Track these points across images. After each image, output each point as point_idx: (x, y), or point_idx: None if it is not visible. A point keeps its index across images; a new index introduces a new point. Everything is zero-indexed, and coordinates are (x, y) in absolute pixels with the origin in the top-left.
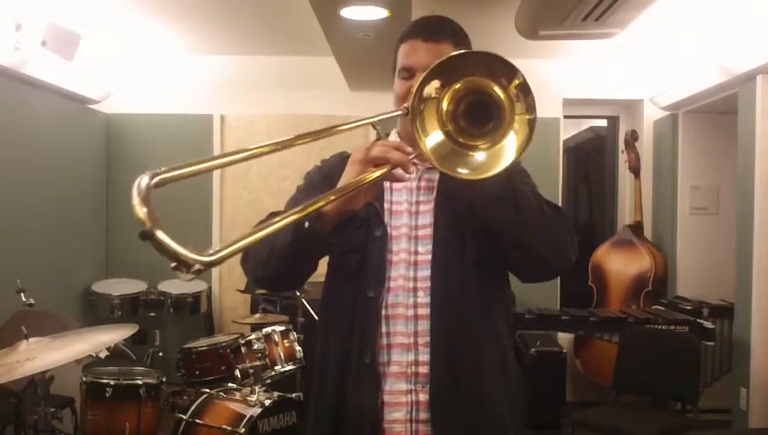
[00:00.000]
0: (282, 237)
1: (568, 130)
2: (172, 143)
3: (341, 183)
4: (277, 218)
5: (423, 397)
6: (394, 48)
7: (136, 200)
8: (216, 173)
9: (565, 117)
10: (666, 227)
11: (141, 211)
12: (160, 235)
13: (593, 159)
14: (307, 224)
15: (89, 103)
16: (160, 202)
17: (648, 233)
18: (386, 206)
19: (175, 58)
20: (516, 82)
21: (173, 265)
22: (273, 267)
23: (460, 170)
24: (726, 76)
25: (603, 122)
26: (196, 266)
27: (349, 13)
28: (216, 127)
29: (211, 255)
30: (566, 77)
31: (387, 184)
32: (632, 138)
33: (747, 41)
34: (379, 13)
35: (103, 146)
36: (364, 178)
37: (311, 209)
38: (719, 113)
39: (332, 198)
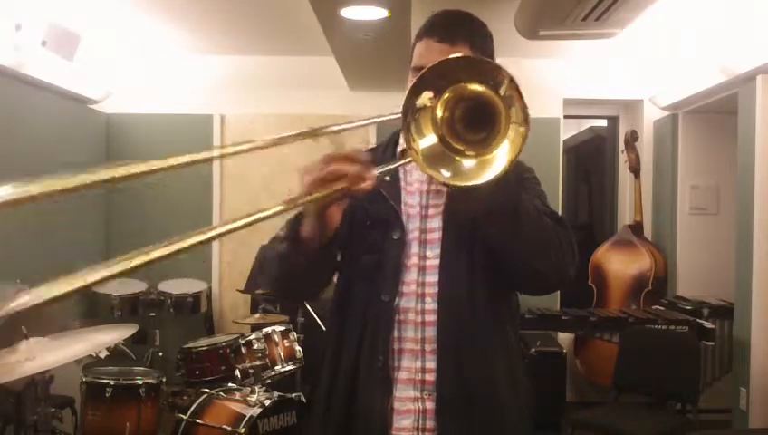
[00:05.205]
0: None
1: (568, 130)
2: (172, 143)
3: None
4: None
5: (430, 405)
6: (412, 43)
7: None
8: (216, 173)
9: (565, 117)
10: (666, 227)
11: None
12: None
13: (593, 159)
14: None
15: (89, 103)
16: (161, 202)
17: (648, 233)
18: (402, 208)
19: (175, 58)
20: (506, 83)
21: None
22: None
23: (444, 172)
24: (726, 76)
25: (603, 122)
26: None
27: (349, 13)
28: (215, 127)
29: None
30: (566, 77)
31: (402, 185)
32: (632, 138)
33: (747, 41)
34: (379, 13)
35: (103, 146)
36: (318, 197)
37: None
38: (719, 113)
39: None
